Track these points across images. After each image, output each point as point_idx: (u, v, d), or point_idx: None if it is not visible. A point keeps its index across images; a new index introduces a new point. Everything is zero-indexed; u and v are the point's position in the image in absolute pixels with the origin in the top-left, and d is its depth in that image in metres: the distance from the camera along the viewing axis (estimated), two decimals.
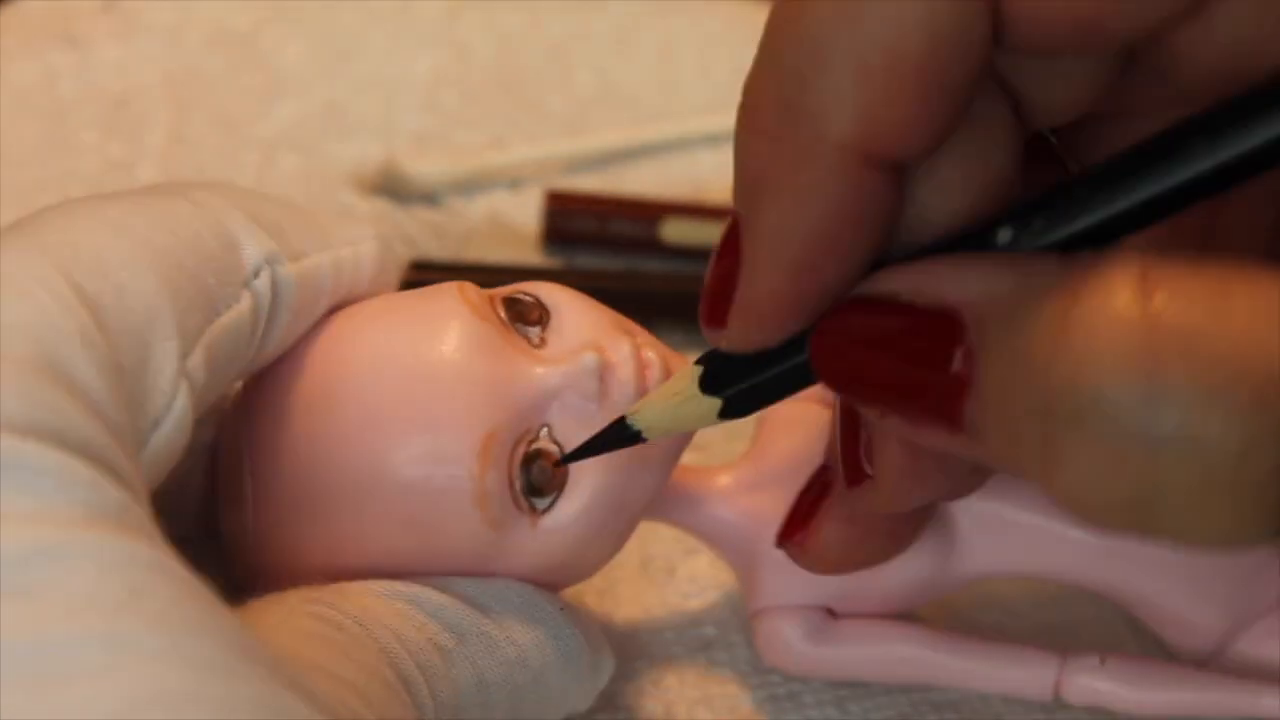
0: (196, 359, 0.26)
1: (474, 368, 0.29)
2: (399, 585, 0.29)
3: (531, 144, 0.49)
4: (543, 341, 0.30)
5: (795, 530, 0.31)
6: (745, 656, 0.35)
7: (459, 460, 0.29)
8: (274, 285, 0.28)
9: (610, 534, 0.31)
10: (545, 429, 0.30)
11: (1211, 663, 0.34)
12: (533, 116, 0.50)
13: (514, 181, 0.48)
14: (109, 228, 0.26)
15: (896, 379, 0.24)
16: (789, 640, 0.33)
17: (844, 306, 0.24)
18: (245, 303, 0.28)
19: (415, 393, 0.29)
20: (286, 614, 0.27)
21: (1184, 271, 0.21)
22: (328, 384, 0.29)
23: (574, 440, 0.29)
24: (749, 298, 0.24)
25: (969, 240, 0.24)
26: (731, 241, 0.25)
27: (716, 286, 0.25)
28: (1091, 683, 0.33)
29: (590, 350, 0.30)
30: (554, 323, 0.31)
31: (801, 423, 0.34)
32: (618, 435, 0.28)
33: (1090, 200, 0.22)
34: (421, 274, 0.43)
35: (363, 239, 0.31)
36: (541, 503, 0.30)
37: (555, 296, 0.31)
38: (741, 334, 0.25)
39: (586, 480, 0.30)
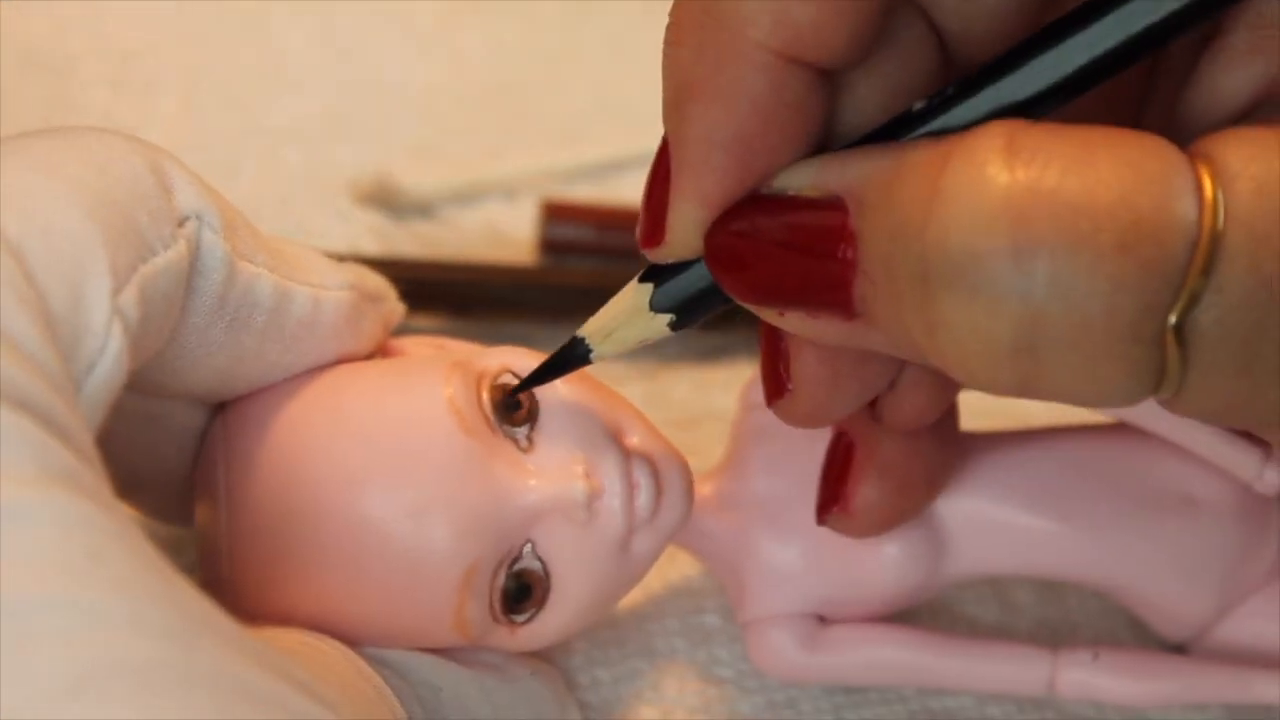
0: (129, 296, 0.25)
1: (459, 498, 0.28)
2: (389, 653, 0.29)
3: (527, 154, 0.49)
4: (530, 444, 0.29)
5: (832, 501, 0.31)
6: (746, 654, 0.34)
7: (439, 595, 0.28)
8: (199, 243, 0.27)
9: (593, 621, 0.31)
10: (529, 545, 0.29)
11: (1197, 644, 0.34)
12: (528, 126, 0.50)
13: (509, 192, 0.48)
14: (35, 167, 0.25)
15: (788, 272, 0.24)
16: (781, 648, 0.33)
17: (735, 207, 0.25)
18: (181, 247, 0.26)
19: (397, 523, 0.28)
20: (272, 634, 0.27)
21: (1048, 133, 0.22)
22: (308, 485, 0.28)
23: (559, 553, 0.29)
24: (680, 205, 0.25)
25: (885, 130, 0.24)
26: (662, 158, 0.25)
27: (651, 205, 0.25)
28: (1085, 677, 0.33)
29: (578, 477, 0.29)
30: (543, 418, 0.30)
31: (777, 429, 0.33)
32: (569, 357, 0.28)
33: (1000, 72, 0.23)
34: (419, 275, 0.42)
35: (331, 288, 0.30)
36: (521, 617, 0.30)
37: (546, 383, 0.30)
38: (678, 241, 0.25)
39: (569, 595, 0.30)
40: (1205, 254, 0.21)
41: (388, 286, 0.32)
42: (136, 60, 0.48)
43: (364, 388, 0.29)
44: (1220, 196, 0.21)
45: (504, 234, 0.47)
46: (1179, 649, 0.35)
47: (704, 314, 0.26)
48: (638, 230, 0.26)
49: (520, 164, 0.48)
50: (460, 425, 0.29)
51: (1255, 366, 0.21)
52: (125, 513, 0.22)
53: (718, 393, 0.42)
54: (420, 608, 0.28)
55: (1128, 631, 0.36)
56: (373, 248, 0.45)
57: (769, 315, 0.25)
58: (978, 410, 0.39)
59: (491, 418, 0.29)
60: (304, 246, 0.30)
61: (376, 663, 0.28)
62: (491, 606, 0.29)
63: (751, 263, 0.24)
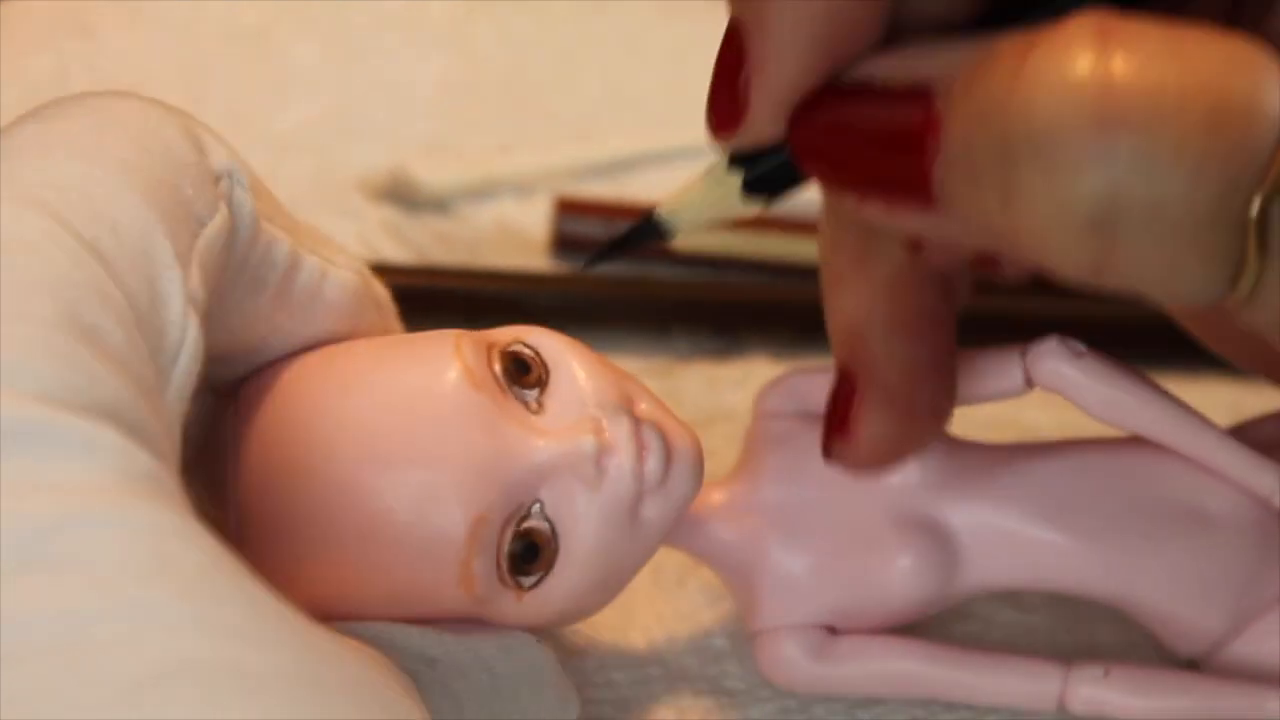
0: (195, 280, 0.25)
1: (466, 448, 0.28)
2: (376, 625, 0.29)
3: (540, 150, 0.49)
4: (540, 407, 0.30)
5: (836, 430, 0.30)
6: (756, 667, 0.34)
7: (446, 543, 0.28)
8: (231, 200, 0.27)
9: (599, 600, 0.31)
10: (538, 505, 0.29)
11: (1209, 662, 0.34)
12: (542, 123, 0.50)
13: (523, 188, 0.48)
14: (83, 156, 0.25)
15: (871, 159, 0.24)
16: (791, 659, 0.33)
17: (822, 93, 0.25)
18: (224, 210, 0.27)
19: (404, 472, 0.28)
20: None
21: (1138, 23, 0.22)
22: (316, 445, 0.29)
23: (568, 514, 0.29)
24: (763, 92, 0.25)
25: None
26: (733, 42, 0.25)
27: (723, 90, 0.25)
28: (1096, 693, 0.33)
29: (588, 433, 0.29)
30: (552, 384, 0.30)
31: (789, 437, 0.34)
32: (645, 232, 0.28)
33: None
34: (431, 279, 0.43)
35: (340, 266, 0.30)
36: (528, 580, 0.29)
37: (557, 353, 0.30)
38: (759, 127, 0.25)
39: (577, 560, 0.29)
40: None
41: (391, 301, 0.32)
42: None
43: (373, 350, 0.30)
44: None
45: (517, 229, 0.47)
46: (1191, 665, 0.34)
47: (778, 188, 0.27)
48: (708, 120, 0.26)
49: (534, 160, 0.48)
50: (470, 381, 0.29)
51: None
52: (195, 515, 0.22)
53: (730, 391, 0.42)
54: (428, 563, 0.28)
55: (1138, 647, 0.35)
56: (385, 242, 0.45)
57: (847, 203, 0.25)
58: (987, 422, 0.40)
59: (501, 379, 0.29)
60: (316, 228, 0.31)
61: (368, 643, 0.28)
62: (499, 565, 0.29)
63: (834, 151, 0.25)
